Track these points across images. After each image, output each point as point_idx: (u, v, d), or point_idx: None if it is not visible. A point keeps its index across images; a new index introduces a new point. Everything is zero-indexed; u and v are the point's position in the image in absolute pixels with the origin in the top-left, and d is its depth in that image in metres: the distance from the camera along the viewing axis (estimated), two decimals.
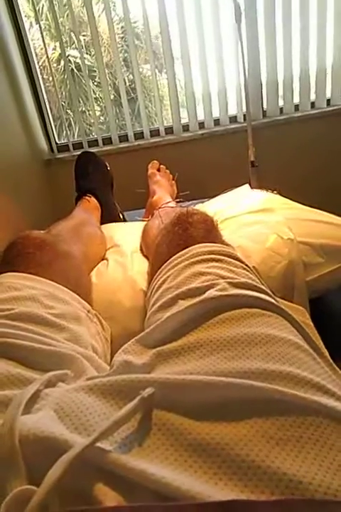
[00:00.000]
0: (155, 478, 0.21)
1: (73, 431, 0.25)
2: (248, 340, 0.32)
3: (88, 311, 0.53)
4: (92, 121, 2.01)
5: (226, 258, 0.47)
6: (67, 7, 1.79)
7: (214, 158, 1.83)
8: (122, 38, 2.19)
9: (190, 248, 0.50)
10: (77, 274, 0.59)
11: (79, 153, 1.16)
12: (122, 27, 2.10)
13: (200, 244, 0.50)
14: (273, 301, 0.38)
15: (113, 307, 0.60)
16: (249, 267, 0.48)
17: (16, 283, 0.47)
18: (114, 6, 1.90)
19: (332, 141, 1.84)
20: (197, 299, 0.37)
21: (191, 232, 0.53)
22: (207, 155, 1.83)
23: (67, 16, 1.87)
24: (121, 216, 1.21)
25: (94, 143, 1.90)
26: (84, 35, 1.99)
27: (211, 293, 0.38)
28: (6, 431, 0.24)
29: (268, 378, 0.28)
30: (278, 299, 0.42)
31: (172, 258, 0.50)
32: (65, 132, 1.94)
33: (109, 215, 1.08)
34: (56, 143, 1.95)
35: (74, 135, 2.03)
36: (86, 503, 0.22)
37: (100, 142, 1.89)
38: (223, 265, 0.45)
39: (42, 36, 1.82)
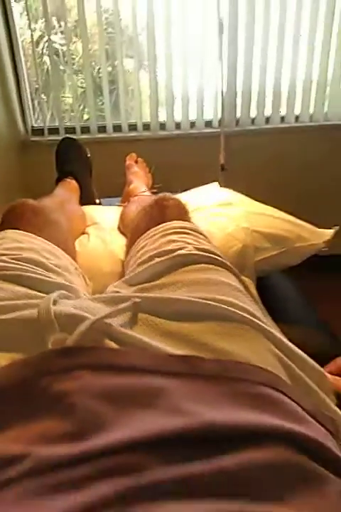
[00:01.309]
0: (146, 343, 0.34)
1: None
2: (206, 282, 0.45)
3: (75, 268, 0.62)
4: (66, 108, 2.05)
5: (194, 232, 0.58)
6: None
7: (187, 158, 1.93)
8: (105, 29, 2.24)
9: (166, 223, 0.60)
10: (64, 240, 0.67)
11: (54, 138, 1.21)
12: (106, 18, 2.15)
13: (174, 221, 0.61)
14: (226, 262, 0.50)
15: (93, 271, 0.69)
16: (210, 241, 0.60)
17: (19, 237, 0.56)
18: None
19: (298, 155, 2.00)
20: (170, 255, 0.48)
21: (167, 213, 0.64)
22: (181, 154, 1.92)
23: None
24: (98, 202, 1.29)
25: (70, 130, 1.91)
26: (67, 22, 2.02)
27: (181, 252, 0.49)
28: (43, 310, 0.35)
29: (219, 302, 0.40)
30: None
31: (149, 230, 0.61)
32: (37, 116, 1.94)
33: (87, 199, 1.15)
34: (32, 126, 1.96)
35: (45, 121, 2.03)
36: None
37: (78, 130, 1.91)
38: (191, 237, 0.57)
39: (28, 14, 1.83)
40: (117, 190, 1.32)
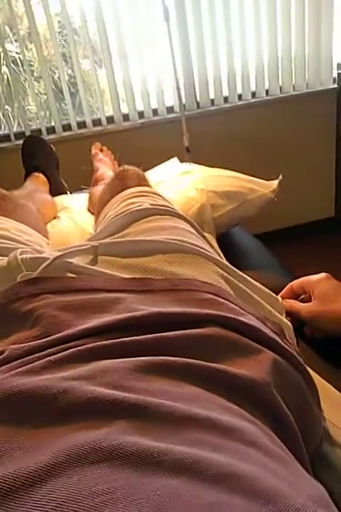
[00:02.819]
0: (103, 272, 0.39)
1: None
2: (159, 228, 0.51)
3: (47, 244, 0.67)
4: (32, 116, 2.08)
5: (151, 194, 0.65)
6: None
7: (152, 145, 1.98)
8: (59, 32, 2.26)
9: (126, 191, 0.66)
10: (35, 221, 0.72)
11: (21, 142, 1.26)
12: (59, 22, 2.18)
13: (133, 187, 0.67)
14: (178, 211, 0.56)
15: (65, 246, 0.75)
16: (166, 200, 0.66)
17: None
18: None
19: (257, 129, 2.10)
20: (130, 210, 0.54)
21: (127, 181, 0.70)
22: (146, 142, 1.97)
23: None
24: (69, 193, 1.33)
25: (37, 132, 1.94)
26: (19, 29, 2.04)
27: (137, 208, 0.55)
28: (12, 258, 0.40)
29: (173, 240, 0.46)
30: None
31: (112, 199, 0.67)
32: (4, 125, 1.98)
33: (56, 191, 1.19)
34: None
35: (11, 128, 2.05)
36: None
37: (44, 131, 1.95)
38: (148, 198, 0.63)
39: None
40: (86, 182, 1.37)
